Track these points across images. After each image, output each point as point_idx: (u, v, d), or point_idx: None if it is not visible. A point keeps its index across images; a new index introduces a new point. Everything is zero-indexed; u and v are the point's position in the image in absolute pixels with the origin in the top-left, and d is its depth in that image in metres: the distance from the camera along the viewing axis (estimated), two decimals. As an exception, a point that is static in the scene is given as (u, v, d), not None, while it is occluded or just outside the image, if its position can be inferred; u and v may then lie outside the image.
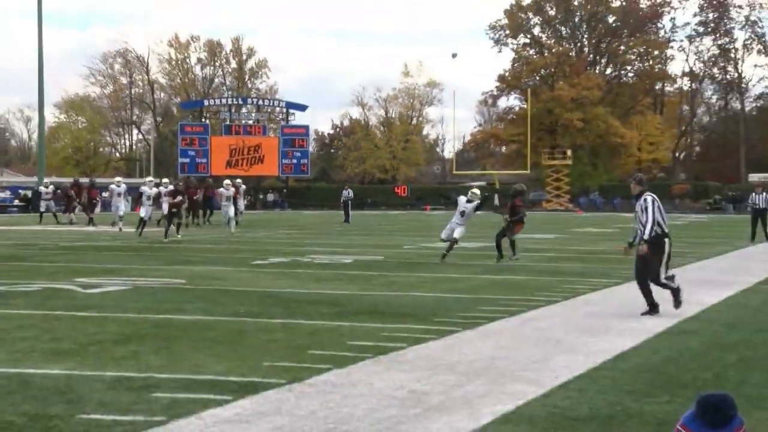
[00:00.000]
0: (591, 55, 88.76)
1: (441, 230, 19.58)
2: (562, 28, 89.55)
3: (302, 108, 77.01)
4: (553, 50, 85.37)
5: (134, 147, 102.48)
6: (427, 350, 8.39)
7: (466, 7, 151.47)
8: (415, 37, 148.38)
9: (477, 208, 19.10)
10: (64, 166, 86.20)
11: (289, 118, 77.09)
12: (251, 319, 10.31)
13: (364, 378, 7.12)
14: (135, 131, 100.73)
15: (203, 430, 5.55)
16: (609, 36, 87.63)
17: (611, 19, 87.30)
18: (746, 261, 19.50)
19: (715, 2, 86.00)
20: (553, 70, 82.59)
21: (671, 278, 11.18)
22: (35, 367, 7.39)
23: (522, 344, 8.74)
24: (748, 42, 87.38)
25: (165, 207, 27.22)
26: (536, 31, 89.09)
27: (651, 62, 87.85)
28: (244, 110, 78.07)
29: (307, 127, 77.55)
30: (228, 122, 75.22)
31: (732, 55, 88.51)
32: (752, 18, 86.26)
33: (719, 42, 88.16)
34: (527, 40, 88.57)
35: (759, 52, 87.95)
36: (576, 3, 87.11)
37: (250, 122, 76.78)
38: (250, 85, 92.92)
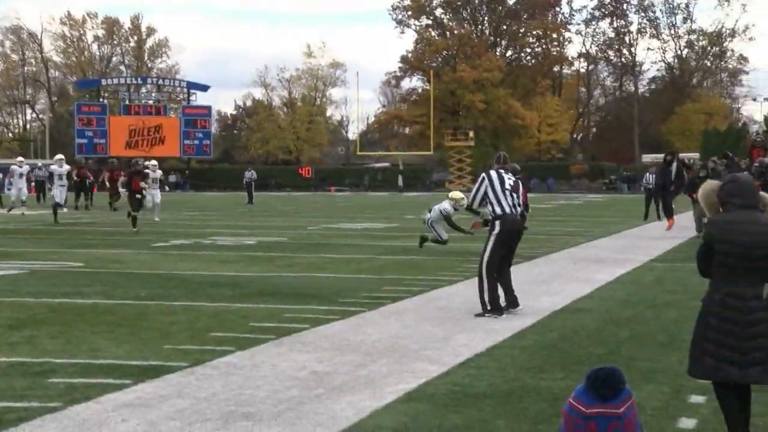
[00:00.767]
0: (492, 38, 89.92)
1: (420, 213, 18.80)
2: (464, 11, 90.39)
3: (204, 88, 75.95)
4: (455, 32, 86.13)
5: (28, 127, 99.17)
6: (331, 331, 8.43)
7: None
8: (318, 17, 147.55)
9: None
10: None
11: (191, 99, 75.95)
12: (152, 302, 10.17)
13: (266, 360, 7.12)
14: (29, 111, 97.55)
15: (101, 414, 5.47)
16: (509, 18, 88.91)
17: (511, 1, 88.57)
18: (639, 240, 20.14)
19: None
20: (455, 51, 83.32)
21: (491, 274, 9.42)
22: (-76, 355, 7.14)
23: (424, 323, 8.87)
24: (642, 26, 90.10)
25: (124, 192, 25.63)
26: (438, 12, 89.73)
27: (549, 45, 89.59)
28: (143, 90, 76.54)
29: (209, 108, 76.56)
30: (127, 102, 73.65)
31: (626, 39, 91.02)
32: (646, 2, 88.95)
33: (615, 26, 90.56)
34: (429, 22, 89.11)
35: (651, 35, 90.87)
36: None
37: (150, 102, 75.31)
38: (150, 65, 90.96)
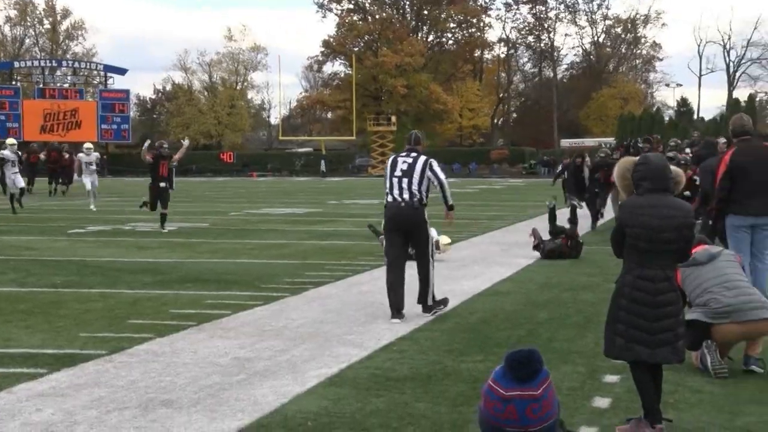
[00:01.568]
0: (413, 22, 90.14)
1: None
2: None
3: (122, 72, 74.37)
4: (377, 16, 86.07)
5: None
6: (253, 317, 8.39)
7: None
8: (239, 0, 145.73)
9: None
10: None
11: (108, 82, 74.26)
12: (68, 289, 9.96)
13: (187, 346, 7.04)
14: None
15: (15, 405, 5.35)
16: (430, 4, 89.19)
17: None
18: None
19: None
20: (377, 36, 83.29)
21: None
22: None
23: (347, 308, 8.89)
24: (559, 13, 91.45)
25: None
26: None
27: (470, 30, 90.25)
28: (59, 73, 74.58)
29: (127, 92, 75.01)
30: (41, 85, 71.67)
31: (545, 25, 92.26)
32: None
33: (534, 11, 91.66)
34: (351, 6, 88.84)
35: (569, 21, 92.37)
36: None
37: (66, 86, 73.44)
38: (65, 47, 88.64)
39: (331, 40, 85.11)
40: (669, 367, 5.23)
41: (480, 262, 12.98)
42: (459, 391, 5.69)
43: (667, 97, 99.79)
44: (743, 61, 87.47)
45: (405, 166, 8.52)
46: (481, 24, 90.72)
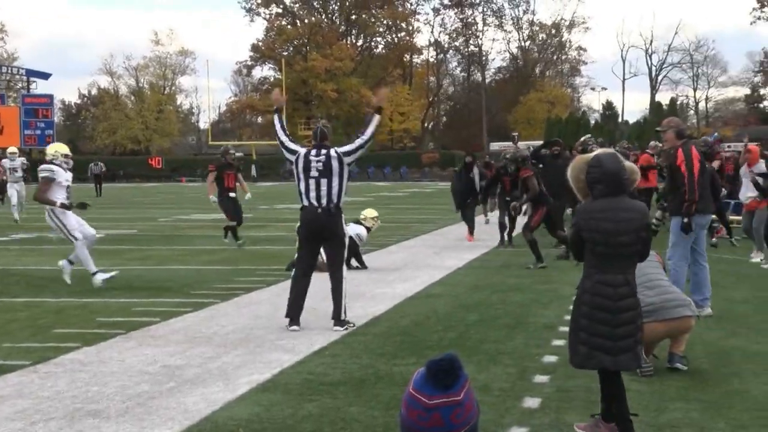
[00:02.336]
0: (343, 26, 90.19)
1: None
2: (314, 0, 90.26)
3: (45, 76, 72.77)
4: (306, 21, 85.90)
5: None
6: (183, 324, 8.29)
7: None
8: (166, 4, 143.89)
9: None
10: None
11: (31, 87, 72.61)
12: (-9, 300, 9.70)
13: (114, 355, 6.92)
14: None
15: (-63, 420, 5.19)
16: (359, 8, 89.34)
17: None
18: (488, 226, 20.66)
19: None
20: (306, 40, 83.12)
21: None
22: None
23: (279, 314, 8.81)
24: (486, 17, 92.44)
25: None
26: (288, 1, 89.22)
27: (399, 34, 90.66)
28: (-22, 78, 72.71)
29: (51, 97, 73.36)
30: (-40, 90, 69.79)
31: (473, 29, 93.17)
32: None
33: (462, 16, 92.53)
34: (279, 10, 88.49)
35: (496, 26, 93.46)
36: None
37: (-13, 90, 71.63)
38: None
39: (260, 44, 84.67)
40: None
41: (411, 265, 13.04)
42: (392, 394, 5.70)
43: (592, 101, 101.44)
44: (665, 65, 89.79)
45: (320, 166, 8.15)
46: (410, 28, 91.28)
